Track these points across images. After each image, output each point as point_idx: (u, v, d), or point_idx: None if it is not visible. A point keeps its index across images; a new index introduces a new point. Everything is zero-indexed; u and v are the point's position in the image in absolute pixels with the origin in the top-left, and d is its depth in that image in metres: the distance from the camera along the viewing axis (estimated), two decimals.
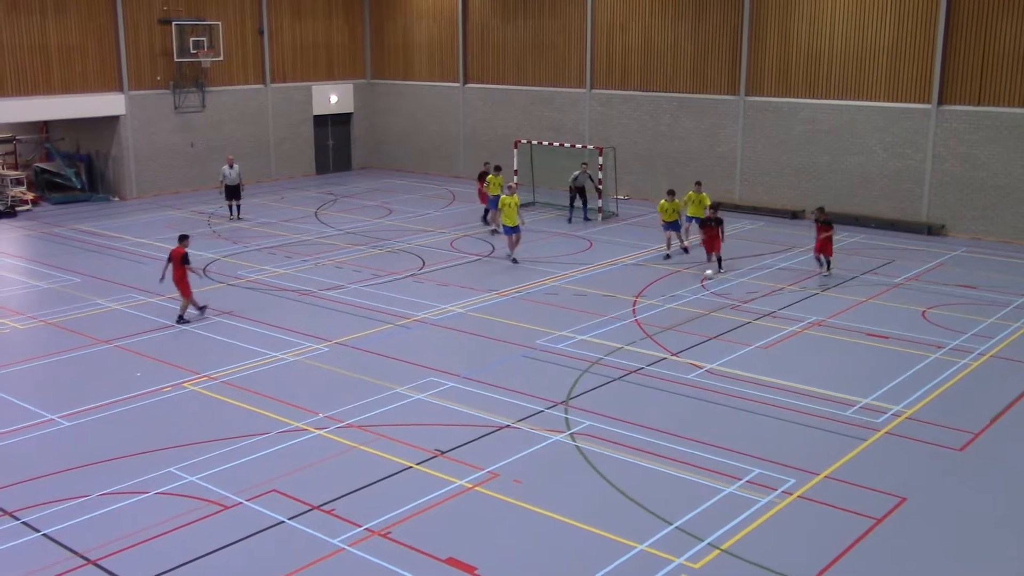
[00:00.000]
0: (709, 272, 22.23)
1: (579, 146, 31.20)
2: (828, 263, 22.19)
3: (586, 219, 28.68)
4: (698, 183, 25.11)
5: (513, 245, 23.52)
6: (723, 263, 22.41)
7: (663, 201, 24.04)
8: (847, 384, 15.50)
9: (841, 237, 26.27)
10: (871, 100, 27.77)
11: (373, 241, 25.85)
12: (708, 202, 23.79)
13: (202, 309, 19.01)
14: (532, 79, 34.73)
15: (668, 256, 23.98)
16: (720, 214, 22.70)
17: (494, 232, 26.33)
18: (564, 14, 33.48)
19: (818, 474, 12.39)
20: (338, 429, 13.76)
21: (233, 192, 28.88)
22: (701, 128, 30.96)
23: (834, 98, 28.36)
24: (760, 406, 14.68)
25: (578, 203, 28.62)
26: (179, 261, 18.56)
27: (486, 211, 27.65)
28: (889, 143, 27.58)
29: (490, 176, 26.98)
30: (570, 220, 28.48)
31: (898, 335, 17.96)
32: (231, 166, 28.84)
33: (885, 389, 15.29)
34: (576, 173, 28.55)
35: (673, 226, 24.22)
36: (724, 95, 30.37)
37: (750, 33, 29.51)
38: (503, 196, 23.48)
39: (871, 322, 18.72)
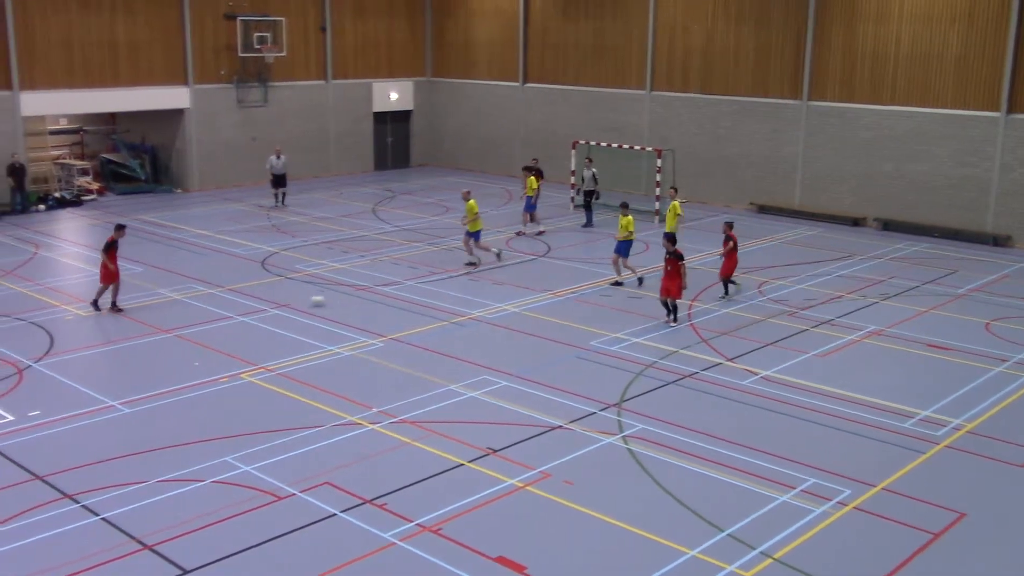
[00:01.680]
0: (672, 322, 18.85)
1: (638, 148, 31.08)
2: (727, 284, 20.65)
3: (587, 224, 27.82)
4: (673, 188, 24.49)
5: (474, 248, 23.01)
6: (677, 314, 18.81)
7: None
8: (906, 395, 15.23)
9: (903, 246, 25.88)
10: (938, 107, 27.25)
11: (430, 238, 25.98)
12: (680, 211, 22.68)
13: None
14: (592, 80, 34.65)
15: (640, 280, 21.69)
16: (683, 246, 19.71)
17: (538, 233, 26.52)
18: (626, 15, 33.35)
19: (875, 486, 12.19)
20: (391, 424, 13.85)
21: (279, 181, 30.15)
22: (761, 132, 30.63)
23: (899, 104, 27.89)
24: (816, 415, 14.48)
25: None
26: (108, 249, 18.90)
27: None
28: (955, 151, 27.04)
29: (531, 177, 26.99)
30: (589, 223, 27.79)
31: (960, 347, 17.60)
32: (278, 156, 30.30)
33: (946, 401, 15.00)
34: (583, 172, 28.24)
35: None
36: (786, 99, 30.01)
37: (814, 36, 29.13)
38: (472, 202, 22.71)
39: (932, 333, 18.37)
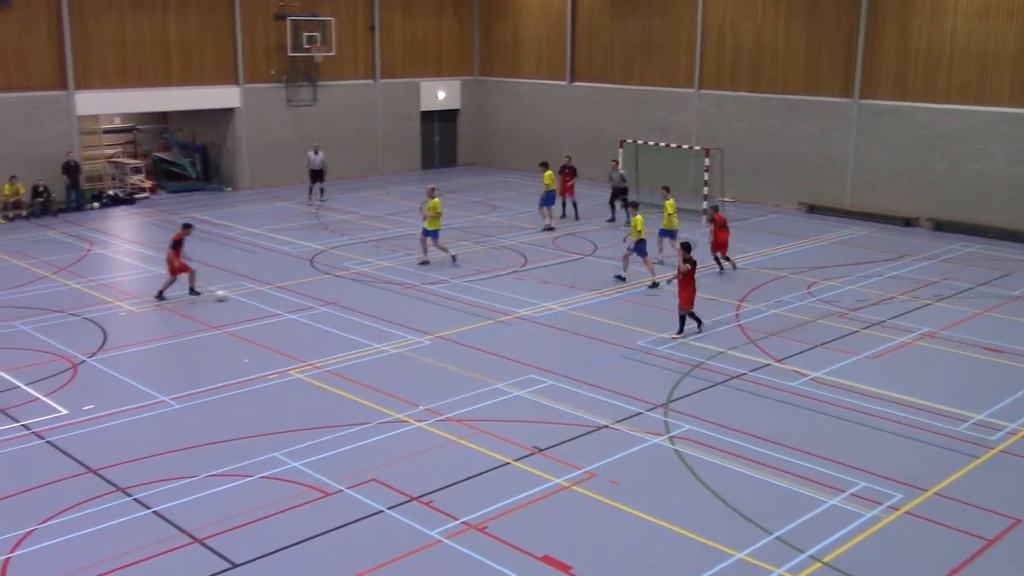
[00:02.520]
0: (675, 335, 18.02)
1: (686, 147, 30.87)
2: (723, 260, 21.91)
3: (611, 219, 28.19)
4: (665, 188, 24.09)
5: (431, 246, 22.71)
6: (686, 324, 18.00)
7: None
8: (959, 399, 14.96)
9: (956, 247, 25.44)
10: (994, 105, 26.73)
11: (476, 237, 26.02)
12: (672, 210, 22.73)
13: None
14: (640, 78, 34.48)
15: (657, 285, 21.28)
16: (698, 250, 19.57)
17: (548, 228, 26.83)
18: (674, 13, 33.13)
19: (927, 490, 11.99)
20: (438, 422, 13.89)
21: (317, 176, 31.18)
22: (811, 131, 30.27)
23: (954, 102, 27.40)
24: (867, 417, 14.28)
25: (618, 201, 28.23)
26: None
27: (573, 204, 28.77)
28: (1012, 150, 26.51)
29: (548, 172, 27.36)
30: (612, 219, 28.21)
31: (1015, 350, 17.25)
32: (316, 152, 31.24)
33: (1000, 405, 14.71)
34: (609, 173, 28.75)
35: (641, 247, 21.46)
36: (837, 97, 29.63)
37: (866, 34, 28.72)
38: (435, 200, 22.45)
39: (987, 335, 18.03)
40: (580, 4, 35.90)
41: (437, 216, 22.43)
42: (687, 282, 17.67)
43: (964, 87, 27.21)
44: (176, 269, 19.79)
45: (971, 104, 27.11)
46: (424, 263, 22.70)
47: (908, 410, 14.53)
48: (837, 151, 29.81)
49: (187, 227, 20.45)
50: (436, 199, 22.57)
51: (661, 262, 22.77)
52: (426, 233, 22.60)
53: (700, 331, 17.94)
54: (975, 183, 27.23)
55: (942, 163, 27.76)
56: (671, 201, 23.14)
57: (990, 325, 18.70)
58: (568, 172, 28.92)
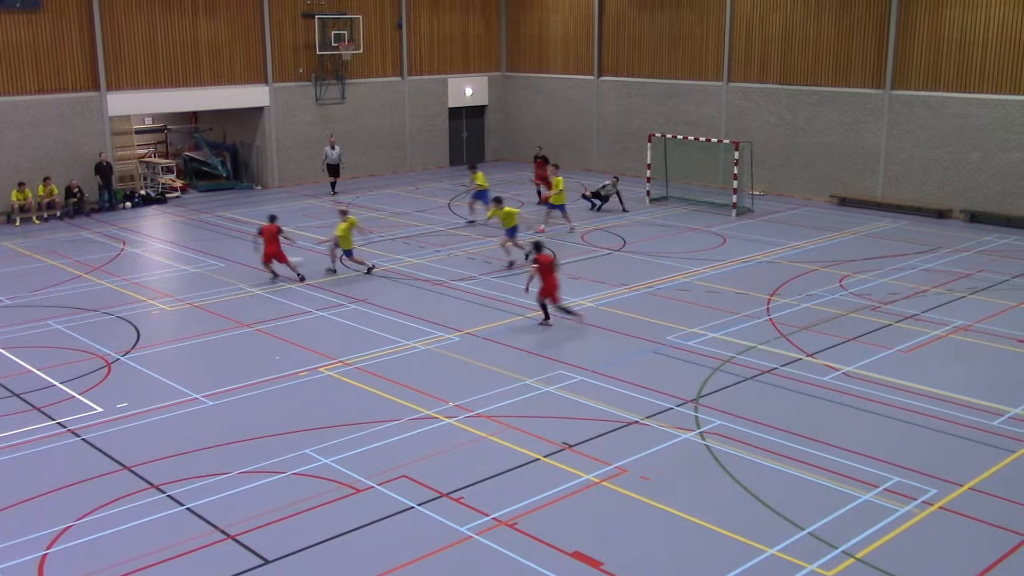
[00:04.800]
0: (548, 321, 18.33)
1: (715, 140, 30.70)
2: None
3: (595, 208, 29.10)
4: (555, 165, 27.38)
5: (346, 261, 22.08)
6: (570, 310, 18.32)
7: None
8: (995, 393, 14.78)
9: (991, 239, 25.11)
10: None
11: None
12: (561, 186, 25.44)
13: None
14: (668, 72, 34.31)
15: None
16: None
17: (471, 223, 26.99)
18: (702, 5, 32.92)
19: (962, 485, 11.85)
20: (468, 418, 13.91)
21: (333, 171, 32.00)
22: (843, 123, 29.99)
23: (987, 92, 27.05)
24: (900, 412, 14.14)
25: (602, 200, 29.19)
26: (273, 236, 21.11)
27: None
28: None
29: (479, 173, 27.67)
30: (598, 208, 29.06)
31: None
32: (332, 147, 32.06)
33: None
34: (605, 183, 29.32)
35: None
36: (868, 88, 29.33)
37: (898, 24, 28.40)
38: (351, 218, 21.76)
39: (1022, 328, 17.79)
40: None
41: (347, 234, 21.53)
42: (544, 274, 17.91)
43: (998, 76, 26.84)
44: (268, 255, 21.08)
45: (1005, 93, 26.74)
46: (330, 271, 22.03)
47: (942, 404, 14.38)
48: (869, 143, 29.51)
49: (272, 219, 21.46)
50: (352, 217, 21.74)
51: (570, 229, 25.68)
52: (343, 252, 21.71)
53: (545, 323, 18.18)
54: (1010, 173, 26.87)
55: (975, 153, 27.41)
56: (560, 178, 25.81)
57: None
58: (540, 161, 30.35)
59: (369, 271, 21.94)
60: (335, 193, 31.74)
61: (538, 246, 18.50)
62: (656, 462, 12.54)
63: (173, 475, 12.21)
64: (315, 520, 11.10)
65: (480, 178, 27.46)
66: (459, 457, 12.73)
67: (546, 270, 17.94)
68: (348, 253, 21.82)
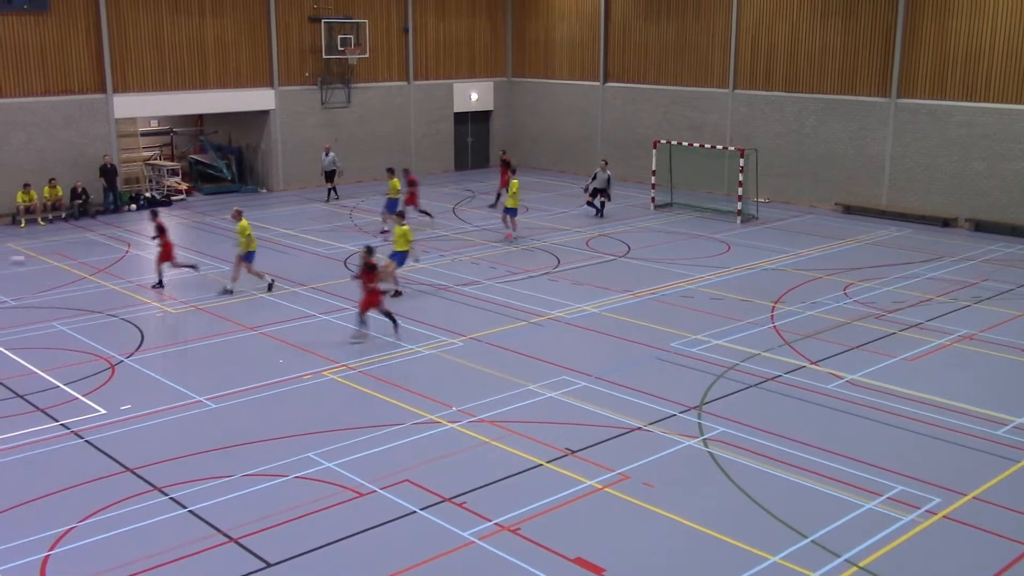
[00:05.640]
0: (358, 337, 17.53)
1: (720, 147, 30.71)
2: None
3: (599, 214, 28.87)
4: (512, 169, 27.11)
5: (246, 272, 20.79)
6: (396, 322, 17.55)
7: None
8: (999, 402, 14.75)
9: (996, 248, 25.09)
10: None
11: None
12: (516, 190, 25.22)
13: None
14: (673, 79, 34.32)
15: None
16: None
17: (383, 232, 26.14)
18: (708, 13, 32.95)
19: (966, 495, 11.82)
20: (471, 423, 13.90)
21: (329, 177, 31.84)
22: (848, 131, 29.98)
23: (993, 101, 27.03)
24: (904, 420, 14.11)
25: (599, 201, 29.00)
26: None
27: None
28: None
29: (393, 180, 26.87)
30: (600, 214, 28.88)
31: None
32: (327, 153, 31.98)
33: None
34: (596, 172, 29.00)
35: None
36: (874, 97, 29.32)
37: (904, 32, 28.40)
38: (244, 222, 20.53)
39: None
40: (613, 4, 35.81)
41: (248, 238, 20.34)
42: (365, 285, 17.16)
43: (1003, 86, 26.82)
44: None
45: (1011, 103, 26.72)
46: (227, 292, 20.51)
47: (946, 413, 14.35)
48: (874, 151, 29.50)
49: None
50: (244, 221, 20.38)
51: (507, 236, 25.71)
52: (242, 258, 20.51)
53: (354, 340, 17.32)
54: (1015, 183, 26.84)
55: (981, 163, 27.39)
56: (516, 181, 25.68)
57: None
58: (503, 165, 30.09)
59: (270, 287, 20.74)
60: (329, 200, 31.56)
61: (369, 250, 17.49)
62: (659, 469, 12.52)
63: (176, 477, 12.21)
64: (317, 524, 11.09)
65: (394, 185, 26.60)
66: (462, 462, 12.72)
67: (370, 278, 17.14)
68: (249, 257, 20.53)
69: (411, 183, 27.73)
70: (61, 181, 28.69)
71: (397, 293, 20.15)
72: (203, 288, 21.05)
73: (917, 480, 12.17)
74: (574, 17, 37.19)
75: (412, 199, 27.42)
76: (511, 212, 25.73)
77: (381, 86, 36.10)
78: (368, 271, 17.32)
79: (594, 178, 28.86)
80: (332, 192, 31.90)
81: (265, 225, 27.82)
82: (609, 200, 28.97)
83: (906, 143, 28.81)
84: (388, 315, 17.60)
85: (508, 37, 39.56)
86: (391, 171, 27.31)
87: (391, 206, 26.26)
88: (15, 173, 28.30)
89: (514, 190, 25.55)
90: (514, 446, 13.15)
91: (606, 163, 29.25)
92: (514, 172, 27.14)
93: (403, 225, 20.31)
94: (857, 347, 17.23)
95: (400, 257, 20.26)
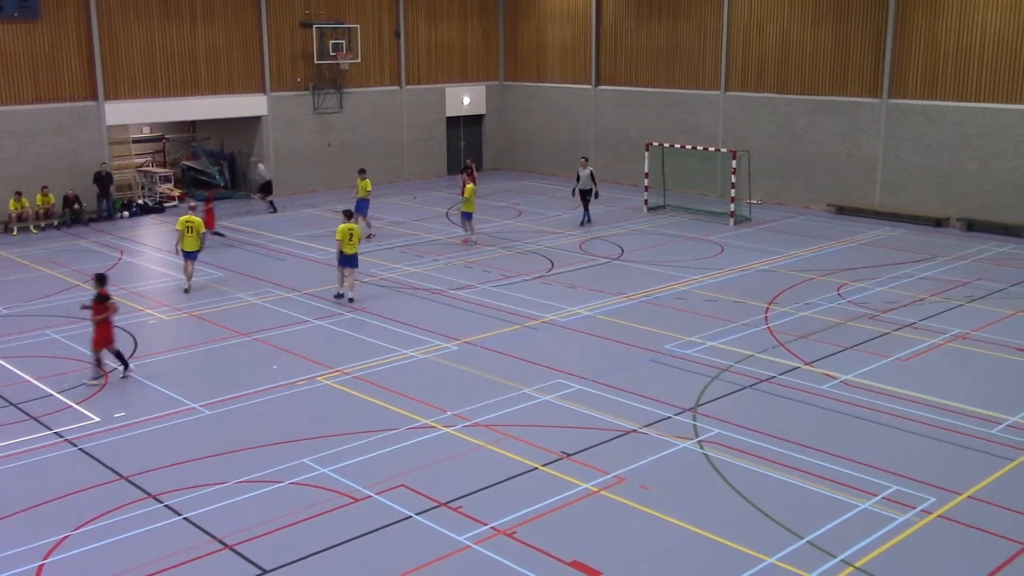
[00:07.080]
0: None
1: (712, 149, 30.75)
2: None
3: (586, 222, 28.36)
4: (468, 172, 28.26)
5: (191, 275, 21.34)
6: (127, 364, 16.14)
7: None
8: (993, 401, 14.78)
9: (989, 247, 25.16)
10: None
11: (503, 242, 26.02)
12: (470, 195, 25.28)
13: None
14: (665, 81, 34.37)
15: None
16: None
17: (370, 237, 26.07)
18: (699, 15, 33.02)
19: (961, 494, 11.85)
20: (466, 427, 13.89)
21: (264, 189, 30.92)
22: (840, 132, 30.05)
23: (984, 101, 27.11)
24: (898, 420, 14.13)
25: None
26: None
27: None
28: None
29: (361, 181, 26.69)
30: (588, 221, 28.38)
31: None
32: (257, 166, 31.72)
33: None
34: (577, 171, 28.67)
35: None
36: (865, 97, 29.40)
37: (895, 33, 28.49)
38: (189, 216, 21.13)
39: (1020, 337, 17.81)
40: (605, 7, 35.86)
41: (198, 237, 20.96)
42: (94, 318, 15.51)
43: (994, 85, 26.91)
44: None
45: (1002, 102, 26.81)
46: (186, 291, 21.07)
47: (940, 412, 14.37)
48: (866, 151, 29.57)
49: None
50: (196, 218, 21.12)
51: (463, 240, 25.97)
52: (187, 255, 21.11)
53: (91, 383, 15.65)
54: (1007, 182, 26.92)
55: (973, 162, 27.47)
56: (471, 186, 25.75)
57: (1023, 326, 18.46)
58: (467, 171, 29.88)
59: (186, 290, 21.00)
60: (277, 211, 30.73)
61: (101, 279, 15.87)
62: (655, 471, 12.52)
63: (171, 485, 12.18)
64: (313, 529, 11.07)
65: (365, 186, 26.44)
66: (457, 466, 12.71)
67: (100, 310, 15.51)
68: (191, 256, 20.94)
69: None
70: (53, 189, 28.62)
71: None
72: (197, 295, 21.00)
73: (912, 480, 12.19)
74: (566, 20, 37.23)
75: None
76: (467, 216, 25.82)
77: (373, 91, 36.10)
78: (99, 302, 15.55)
79: (578, 179, 28.67)
80: (271, 205, 30.80)
81: (258, 231, 27.79)
82: (596, 197, 28.43)
83: (898, 143, 28.89)
84: (119, 356, 15.90)
85: (500, 41, 39.59)
86: (363, 172, 27.22)
87: (361, 207, 26.28)
88: (7, 181, 28.23)
89: (468, 195, 25.59)
90: (509, 450, 13.14)
91: (586, 160, 29.11)
92: (475, 181, 28.14)
93: (349, 223, 20.51)
94: (851, 347, 17.26)
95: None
